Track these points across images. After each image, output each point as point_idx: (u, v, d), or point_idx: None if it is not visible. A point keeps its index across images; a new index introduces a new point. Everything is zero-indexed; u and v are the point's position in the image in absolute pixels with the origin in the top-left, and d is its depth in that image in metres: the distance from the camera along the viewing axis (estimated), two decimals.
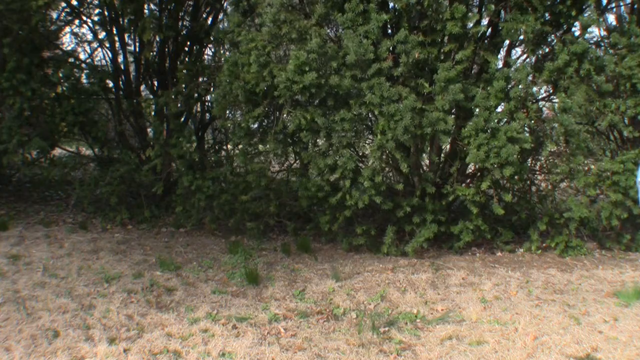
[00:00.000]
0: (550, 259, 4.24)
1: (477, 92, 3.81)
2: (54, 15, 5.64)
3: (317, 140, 4.24)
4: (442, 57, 3.94)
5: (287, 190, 4.67)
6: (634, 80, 3.82)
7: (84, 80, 5.52)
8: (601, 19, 4.49)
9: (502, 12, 4.12)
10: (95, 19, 5.66)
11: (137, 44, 5.57)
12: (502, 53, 4.44)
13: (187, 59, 5.64)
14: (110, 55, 5.73)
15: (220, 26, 5.55)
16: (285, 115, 4.19)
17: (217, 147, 5.77)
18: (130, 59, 5.68)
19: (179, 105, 5.15)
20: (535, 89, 3.99)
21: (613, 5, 4.61)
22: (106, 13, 5.45)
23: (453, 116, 4.02)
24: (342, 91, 3.81)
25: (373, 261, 4.13)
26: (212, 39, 5.55)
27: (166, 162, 4.99)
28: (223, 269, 3.96)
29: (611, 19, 4.80)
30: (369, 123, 4.42)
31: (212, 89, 5.28)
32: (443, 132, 3.77)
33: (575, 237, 4.32)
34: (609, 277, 3.81)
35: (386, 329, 2.95)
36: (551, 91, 4.27)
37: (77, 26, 5.98)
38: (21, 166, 5.82)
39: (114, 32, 5.53)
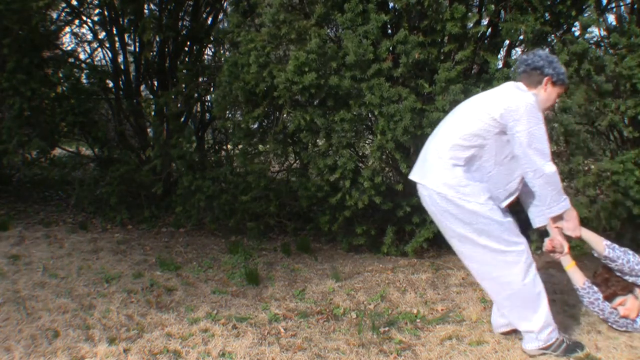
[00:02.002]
0: (550, 259, 4.24)
1: (478, 92, 3.81)
2: (54, 15, 5.64)
3: (317, 140, 4.24)
4: (442, 58, 3.94)
5: (287, 190, 4.67)
6: (634, 80, 3.82)
7: (84, 80, 5.53)
8: (601, 19, 4.48)
9: (502, 12, 4.12)
10: (95, 19, 5.66)
11: (137, 44, 5.57)
12: (502, 53, 4.44)
13: (187, 59, 5.65)
14: (110, 55, 5.73)
15: (220, 26, 5.55)
16: (285, 116, 4.19)
17: (217, 147, 5.78)
18: (130, 59, 5.69)
19: (179, 105, 5.15)
20: None
21: (613, 5, 4.61)
22: (106, 13, 5.45)
23: None
24: (341, 91, 3.81)
25: (373, 261, 4.13)
26: (212, 39, 5.55)
27: (166, 162, 5.00)
28: (223, 269, 3.96)
29: (611, 19, 4.80)
30: (369, 123, 4.42)
31: (212, 89, 5.28)
32: None
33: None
34: None
35: (386, 329, 2.95)
36: None
37: (77, 26, 5.99)
38: (21, 166, 5.83)
39: (114, 32, 5.54)
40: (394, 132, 3.71)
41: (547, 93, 2.60)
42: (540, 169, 2.48)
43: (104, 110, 6.02)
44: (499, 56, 4.35)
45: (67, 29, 5.91)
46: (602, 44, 4.31)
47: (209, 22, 5.77)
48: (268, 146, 4.33)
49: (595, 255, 2.93)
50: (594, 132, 4.66)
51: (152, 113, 5.52)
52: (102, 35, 5.78)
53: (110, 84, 5.73)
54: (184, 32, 5.57)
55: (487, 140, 2.52)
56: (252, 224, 4.60)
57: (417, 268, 3.97)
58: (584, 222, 4.24)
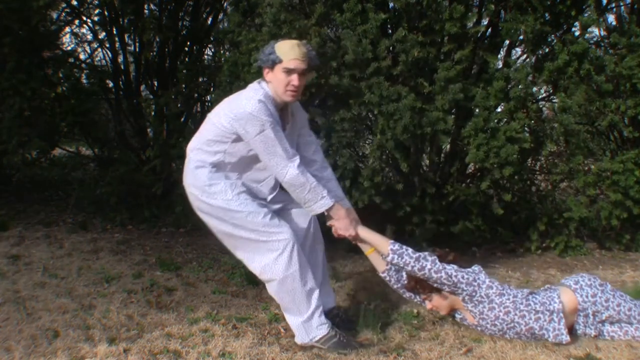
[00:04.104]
0: (550, 259, 4.24)
1: (477, 92, 3.81)
2: (54, 15, 5.64)
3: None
4: (442, 57, 3.94)
5: None
6: (634, 80, 3.82)
7: (84, 80, 5.52)
8: (601, 19, 4.49)
9: (502, 12, 4.12)
10: (95, 19, 5.66)
11: (137, 44, 5.57)
12: (502, 53, 4.44)
13: (187, 59, 5.64)
14: (110, 55, 5.73)
15: (220, 26, 5.55)
16: None
17: None
18: (130, 59, 5.68)
19: (179, 105, 5.15)
20: (535, 89, 3.99)
21: (613, 5, 4.61)
22: (106, 13, 5.45)
23: (453, 116, 4.02)
24: (341, 91, 3.81)
25: None
26: (212, 39, 5.55)
27: (166, 162, 4.99)
28: (223, 269, 3.96)
29: (611, 19, 4.81)
30: (369, 123, 4.42)
31: (212, 89, 5.28)
32: (442, 132, 3.77)
33: (575, 237, 4.32)
34: (608, 277, 3.80)
35: (386, 329, 2.95)
36: (551, 91, 4.27)
37: (77, 26, 5.99)
38: (21, 166, 5.82)
39: (114, 32, 5.53)
40: (393, 131, 3.71)
41: (273, 79, 2.63)
42: (281, 173, 2.55)
43: (104, 110, 6.02)
44: (499, 56, 4.35)
45: (67, 29, 5.90)
46: (602, 44, 4.31)
47: (209, 22, 5.77)
48: None
49: (383, 257, 2.85)
50: (594, 132, 4.67)
51: (152, 113, 5.51)
52: (102, 35, 5.78)
53: (110, 84, 5.72)
54: (184, 32, 5.57)
55: (229, 144, 2.60)
56: None
57: None
58: (584, 221, 4.26)
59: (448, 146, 4.43)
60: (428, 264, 2.72)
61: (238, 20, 4.20)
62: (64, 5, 5.55)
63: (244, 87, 4.04)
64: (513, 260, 4.20)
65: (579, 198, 4.25)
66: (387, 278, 2.95)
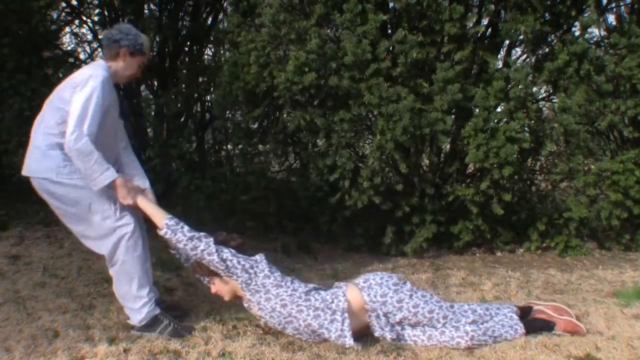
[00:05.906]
0: (550, 259, 4.24)
1: (477, 92, 3.82)
2: (54, 15, 5.64)
3: (317, 140, 4.25)
4: (441, 58, 3.94)
5: (287, 190, 4.66)
6: (634, 81, 3.82)
7: None
8: (601, 19, 4.49)
9: (502, 12, 4.12)
10: (95, 19, 5.66)
11: None
12: (502, 53, 4.45)
13: (187, 59, 5.64)
14: None
15: (220, 26, 5.55)
16: (285, 116, 4.19)
17: (217, 147, 5.77)
18: None
19: (179, 105, 5.15)
20: (535, 89, 4.00)
21: (613, 5, 4.61)
22: (106, 13, 5.45)
23: (452, 116, 4.03)
24: (341, 92, 3.81)
25: (373, 261, 4.13)
26: (212, 39, 5.55)
27: (166, 162, 4.99)
28: None
29: (611, 19, 4.81)
30: (369, 123, 4.42)
31: (212, 89, 5.28)
32: (442, 133, 3.78)
33: (575, 237, 4.33)
34: (608, 277, 3.81)
35: None
36: (551, 91, 4.27)
37: (77, 26, 5.99)
38: (21, 166, 5.80)
39: None
40: (393, 132, 3.71)
41: (127, 63, 2.81)
42: (74, 139, 2.56)
43: None
44: (499, 56, 4.35)
45: (67, 29, 5.90)
46: (602, 44, 4.31)
47: (209, 22, 5.76)
48: (268, 146, 4.33)
49: (157, 231, 2.82)
50: (594, 132, 4.67)
51: (152, 113, 5.51)
52: (102, 35, 5.77)
53: None
54: (184, 32, 5.56)
55: None
56: (252, 224, 4.60)
57: (417, 268, 3.98)
58: (584, 221, 4.25)
59: (448, 146, 4.44)
60: (201, 245, 2.67)
61: (238, 21, 4.20)
62: (64, 5, 5.55)
63: (243, 87, 4.09)
64: (513, 260, 4.20)
65: (579, 198, 4.25)
66: (177, 256, 2.92)
